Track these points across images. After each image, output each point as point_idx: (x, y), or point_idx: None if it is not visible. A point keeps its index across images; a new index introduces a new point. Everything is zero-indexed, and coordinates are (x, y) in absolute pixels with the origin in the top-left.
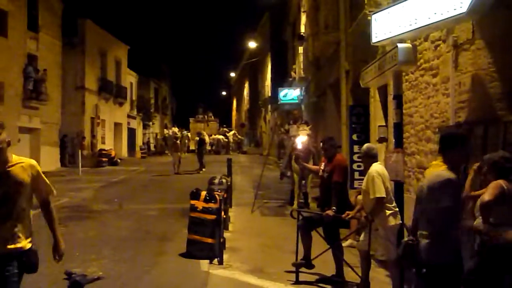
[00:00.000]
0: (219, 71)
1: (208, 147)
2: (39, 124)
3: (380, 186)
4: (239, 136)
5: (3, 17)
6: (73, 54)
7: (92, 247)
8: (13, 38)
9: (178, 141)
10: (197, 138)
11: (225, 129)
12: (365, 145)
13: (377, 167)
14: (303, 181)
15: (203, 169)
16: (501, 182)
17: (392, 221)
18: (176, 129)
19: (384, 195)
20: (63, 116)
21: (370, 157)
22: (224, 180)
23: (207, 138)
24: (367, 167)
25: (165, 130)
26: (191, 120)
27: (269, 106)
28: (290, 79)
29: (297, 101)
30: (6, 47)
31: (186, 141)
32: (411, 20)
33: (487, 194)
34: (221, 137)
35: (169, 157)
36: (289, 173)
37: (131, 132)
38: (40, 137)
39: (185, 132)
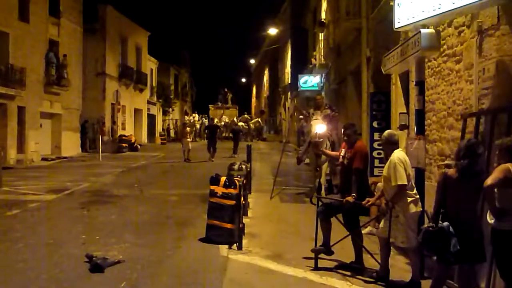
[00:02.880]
0: (239, 58)
1: (225, 134)
2: (61, 110)
3: (402, 173)
4: (261, 123)
5: (25, 2)
6: (94, 40)
7: (113, 231)
8: (34, 23)
9: (188, 128)
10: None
11: (246, 116)
12: (386, 132)
13: (399, 154)
14: (318, 169)
15: (212, 159)
16: (508, 165)
17: (413, 208)
18: (196, 116)
19: (406, 183)
20: (84, 102)
21: (391, 144)
22: (243, 166)
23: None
24: (388, 154)
25: (185, 116)
26: (210, 106)
27: (289, 93)
28: (310, 66)
29: (317, 88)
30: (28, 32)
31: (198, 127)
32: (434, 5)
33: (490, 178)
34: (241, 124)
35: (194, 143)
36: (307, 160)
37: (151, 118)
38: (61, 123)
39: (202, 119)
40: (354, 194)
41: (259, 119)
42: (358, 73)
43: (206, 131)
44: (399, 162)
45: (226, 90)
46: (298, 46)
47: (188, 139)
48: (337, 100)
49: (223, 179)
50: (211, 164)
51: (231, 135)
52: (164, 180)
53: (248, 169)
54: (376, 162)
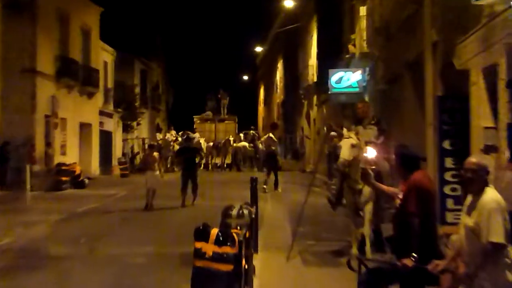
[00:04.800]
0: (239, 45)
1: (215, 160)
2: None
3: (499, 226)
4: (274, 142)
5: None
6: (19, 21)
7: None
8: None
9: (155, 153)
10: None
11: (253, 132)
12: (473, 158)
13: (494, 195)
14: (360, 213)
15: (194, 201)
16: None
17: (510, 277)
18: (172, 133)
19: (504, 241)
20: (2, 113)
21: (482, 177)
22: (246, 211)
23: (202, 143)
24: (476, 192)
25: (158, 134)
26: (196, 119)
27: (315, 97)
28: (347, 56)
29: (357, 89)
30: None
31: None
32: None
33: None
34: (243, 144)
35: (168, 175)
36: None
37: (106, 138)
38: None
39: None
40: (415, 254)
41: (272, 135)
42: (418, 67)
43: (178, 156)
44: (497, 209)
45: (219, 93)
46: (328, 25)
47: (156, 171)
48: (388, 108)
49: (214, 231)
50: (196, 208)
51: (240, 162)
52: (126, 233)
53: (254, 215)
54: (450, 203)
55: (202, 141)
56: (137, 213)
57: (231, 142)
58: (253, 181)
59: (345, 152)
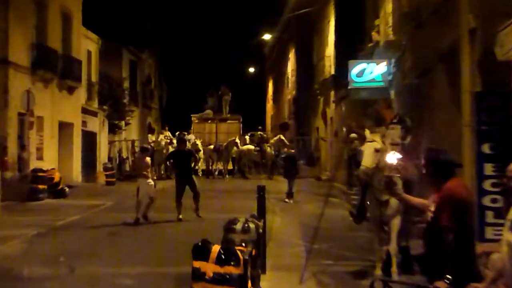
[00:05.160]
0: (244, 33)
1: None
2: None
3: None
4: (284, 144)
5: None
6: None
7: None
8: None
9: (148, 158)
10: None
11: (261, 134)
12: None
13: None
14: (385, 228)
15: (198, 212)
16: None
17: None
18: (167, 134)
19: None
20: None
21: None
22: (252, 225)
23: (199, 144)
24: None
25: (150, 136)
26: (194, 118)
27: (332, 93)
28: (370, 44)
29: (382, 83)
30: None
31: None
32: None
33: None
34: (248, 147)
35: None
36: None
37: (90, 140)
38: None
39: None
40: (449, 276)
41: (282, 137)
42: (453, 58)
43: (169, 161)
44: None
45: (221, 89)
46: (348, 9)
47: (148, 178)
48: (417, 105)
49: (215, 249)
50: (193, 221)
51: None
52: (112, 250)
53: (261, 230)
54: (490, 216)
55: (199, 143)
56: (125, 227)
57: (239, 144)
58: (261, 189)
59: (367, 159)
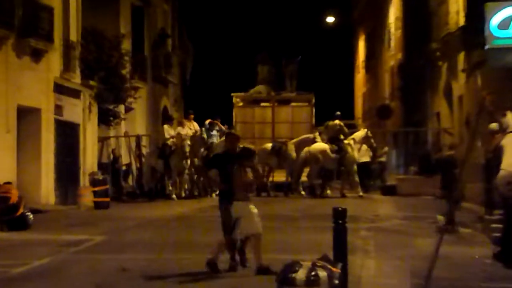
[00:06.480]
0: None
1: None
2: None
3: None
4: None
5: None
6: None
7: None
8: None
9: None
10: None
11: (338, 121)
12: None
13: None
14: None
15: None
16: None
17: None
18: (192, 127)
19: None
20: None
21: None
22: (322, 274)
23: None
24: None
25: (165, 127)
26: (235, 98)
27: (461, 57)
28: None
29: None
30: None
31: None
32: None
33: None
34: (321, 148)
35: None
36: None
37: (69, 135)
38: None
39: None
40: None
41: (368, 132)
42: None
43: (209, 168)
44: None
45: (280, 54)
46: None
47: (250, 201)
48: None
49: None
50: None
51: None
52: None
53: (338, 281)
54: None
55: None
56: (123, 274)
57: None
58: (339, 215)
59: (511, 159)
